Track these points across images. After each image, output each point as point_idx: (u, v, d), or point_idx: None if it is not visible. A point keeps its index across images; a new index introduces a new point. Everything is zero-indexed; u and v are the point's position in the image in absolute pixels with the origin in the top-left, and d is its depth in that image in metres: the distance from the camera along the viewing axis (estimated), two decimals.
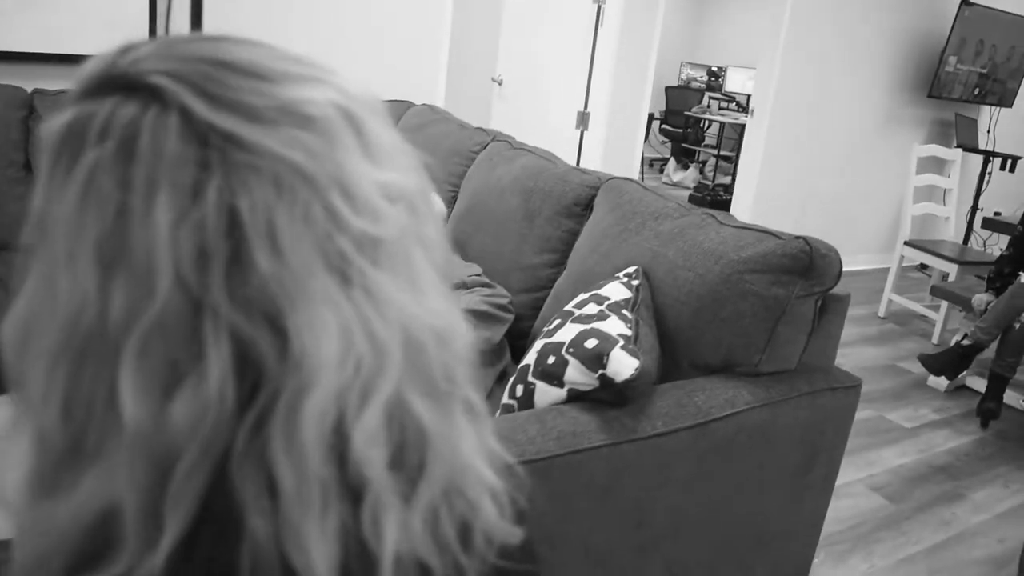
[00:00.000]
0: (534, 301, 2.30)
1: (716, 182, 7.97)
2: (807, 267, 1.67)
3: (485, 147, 2.81)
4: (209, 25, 3.23)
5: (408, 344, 0.53)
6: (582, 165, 4.54)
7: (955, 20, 5.41)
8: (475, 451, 0.57)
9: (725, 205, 5.88)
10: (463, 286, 2.19)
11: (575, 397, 1.55)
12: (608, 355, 1.50)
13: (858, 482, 2.89)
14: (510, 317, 2.17)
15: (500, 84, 4.90)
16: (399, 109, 3.41)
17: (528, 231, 2.37)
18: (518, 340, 2.21)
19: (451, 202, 2.83)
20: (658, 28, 4.78)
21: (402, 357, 0.52)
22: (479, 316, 2.07)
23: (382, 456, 0.51)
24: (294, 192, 0.50)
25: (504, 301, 2.17)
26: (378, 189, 0.54)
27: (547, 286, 2.29)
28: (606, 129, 4.63)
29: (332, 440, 0.50)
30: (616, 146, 4.78)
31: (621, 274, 1.86)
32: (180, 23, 3.17)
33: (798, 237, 1.71)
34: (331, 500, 0.50)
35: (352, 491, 0.51)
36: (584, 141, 4.53)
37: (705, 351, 1.74)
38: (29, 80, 2.97)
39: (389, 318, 0.52)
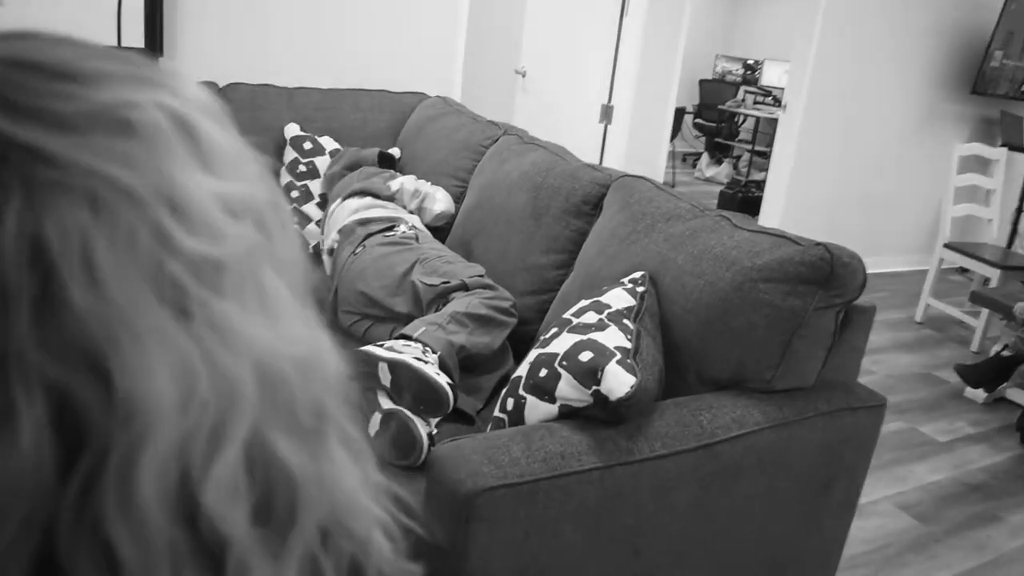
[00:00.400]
0: (540, 304, 2.18)
1: (749, 178, 7.77)
2: (827, 276, 1.53)
3: (496, 141, 2.69)
4: (217, 19, 3.15)
5: (264, 379, 0.46)
6: (605, 160, 4.40)
7: (1002, 13, 5.16)
8: (359, 486, 0.51)
9: (756, 202, 5.70)
10: (463, 288, 2.07)
11: (567, 414, 1.44)
12: (603, 370, 1.38)
13: (886, 500, 2.74)
14: (512, 321, 2.06)
15: (524, 76, 4.77)
16: (412, 101, 3.31)
17: (535, 230, 2.25)
18: (522, 345, 2.09)
19: (460, 198, 2.72)
20: (686, 18, 4.62)
21: (258, 394, 0.45)
22: (477, 320, 1.96)
23: (243, 510, 0.44)
24: (114, 212, 0.41)
25: (506, 304, 2.06)
26: (218, 203, 0.44)
27: (554, 288, 2.17)
28: (630, 123, 4.49)
29: (178, 498, 0.42)
30: (641, 141, 4.63)
31: (626, 279, 1.73)
32: (191, 20, 3.10)
33: (818, 244, 1.57)
34: (184, 569, 0.42)
35: (210, 555, 0.44)
36: (608, 135, 4.39)
37: (713, 365, 1.60)
38: None
39: (239, 352, 0.45)
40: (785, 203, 4.96)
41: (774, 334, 1.55)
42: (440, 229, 2.70)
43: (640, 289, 1.68)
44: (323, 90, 3.21)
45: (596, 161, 4.48)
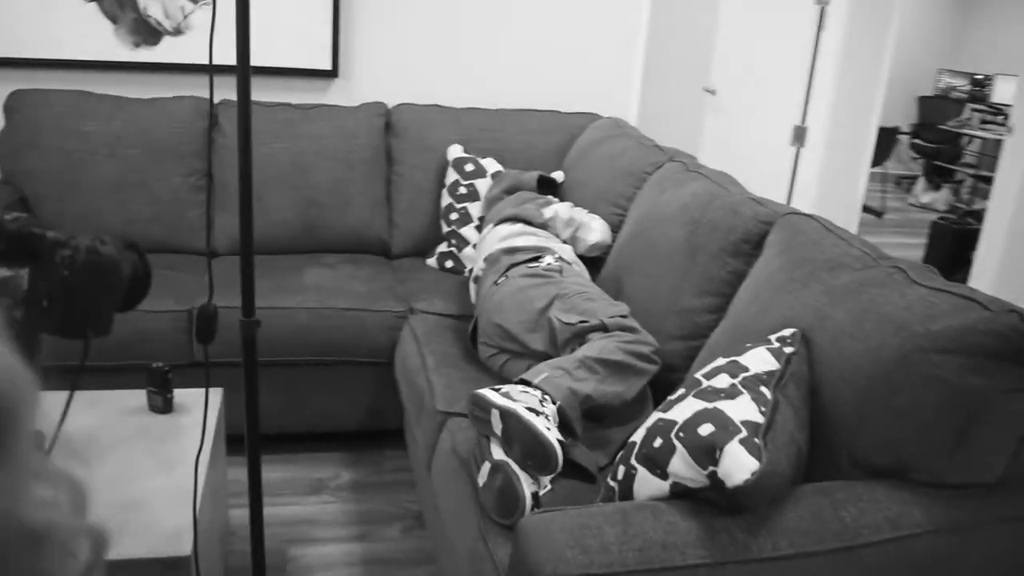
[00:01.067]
0: (688, 351, 1.99)
1: (971, 207, 6.98)
2: (1019, 351, 1.25)
3: (660, 168, 2.51)
4: (390, 40, 3.19)
5: None
6: (796, 186, 4.07)
7: None
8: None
9: (974, 236, 5.07)
10: (602, 328, 1.92)
11: (681, 493, 1.26)
12: (722, 449, 1.19)
13: None
14: (652, 369, 1.88)
15: (713, 95, 4.52)
16: (583, 122, 3.19)
17: (689, 268, 2.06)
18: (666, 393, 1.90)
19: (618, 227, 2.56)
20: (892, 31, 4.17)
21: None
22: (611, 367, 1.79)
23: None
24: None
25: (647, 350, 1.88)
26: None
27: (704, 334, 1.97)
28: (825, 145, 4.11)
29: None
30: (837, 165, 4.24)
31: (773, 337, 1.52)
32: (366, 41, 3.16)
33: (1012, 310, 1.29)
34: None
35: None
36: (800, 159, 4.05)
37: (870, 447, 1.36)
38: (215, 91, 3.08)
39: None
40: (1007, 243, 4.36)
41: (948, 417, 1.28)
42: (595, 260, 2.56)
43: (788, 350, 1.46)
44: (491, 110, 3.17)
45: (786, 187, 4.15)
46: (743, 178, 2.41)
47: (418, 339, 2.35)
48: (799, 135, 4.02)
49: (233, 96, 3.06)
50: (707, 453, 1.21)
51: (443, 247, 2.98)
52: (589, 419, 1.76)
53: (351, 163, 2.99)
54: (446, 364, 2.17)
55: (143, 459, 1.72)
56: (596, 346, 1.85)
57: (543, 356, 2.00)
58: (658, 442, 1.30)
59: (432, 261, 2.98)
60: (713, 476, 1.19)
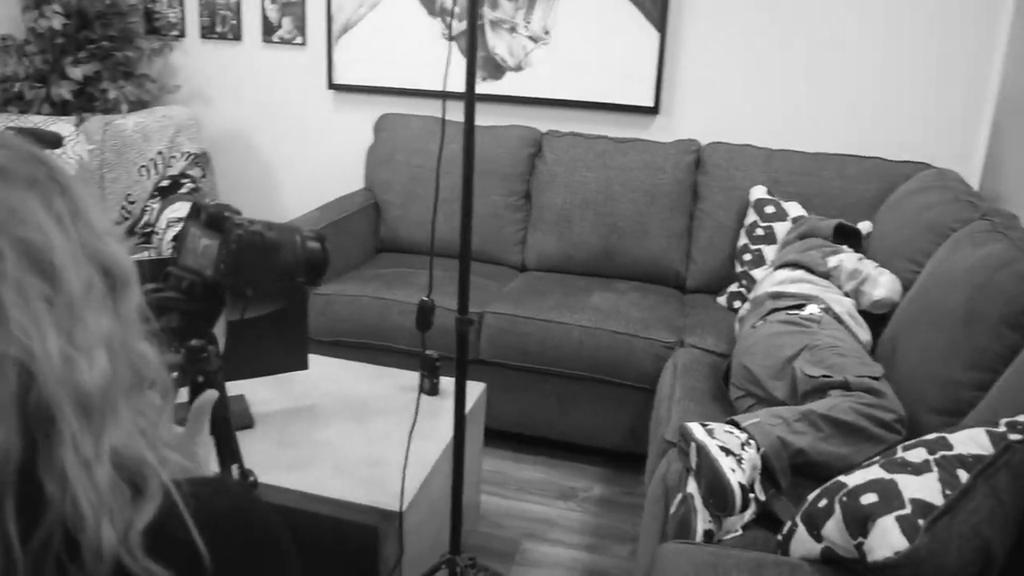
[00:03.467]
0: (944, 427, 1.80)
1: None
2: None
3: (966, 224, 2.28)
4: (712, 78, 3.24)
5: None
6: None
7: None
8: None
9: None
10: (844, 386, 1.82)
11: (830, 559, 1.20)
12: (875, 521, 1.12)
13: None
14: (890, 438, 1.74)
15: None
16: (908, 171, 2.96)
17: (962, 338, 1.86)
18: None
19: (911, 285, 2.37)
20: None
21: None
22: (838, 426, 1.71)
23: None
24: None
25: (888, 417, 1.75)
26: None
27: (965, 411, 1.77)
28: None
29: None
30: None
31: (1003, 420, 1.35)
32: (689, 78, 3.25)
33: None
34: None
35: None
36: None
37: None
38: (543, 122, 3.39)
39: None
40: None
41: None
42: (883, 318, 2.39)
43: (1014, 437, 1.29)
44: (806, 153, 3.08)
45: None
46: None
47: (676, 370, 2.40)
48: None
49: (560, 127, 3.35)
50: (860, 523, 1.14)
51: (733, 287, 2.97)
52: (805, 476, 1.69)
53: (655, 196, 3.11)
54: (689, 397, 2.20)
55: (399, 429, 2.01)
56: (828, 403, 1.77)
57: (784, 406, 1.95)
58: (823, 503, 1.25)
59: (722, 300, 2.99)
60: (859, 547, 1.12)
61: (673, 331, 2.70)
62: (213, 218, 0.97)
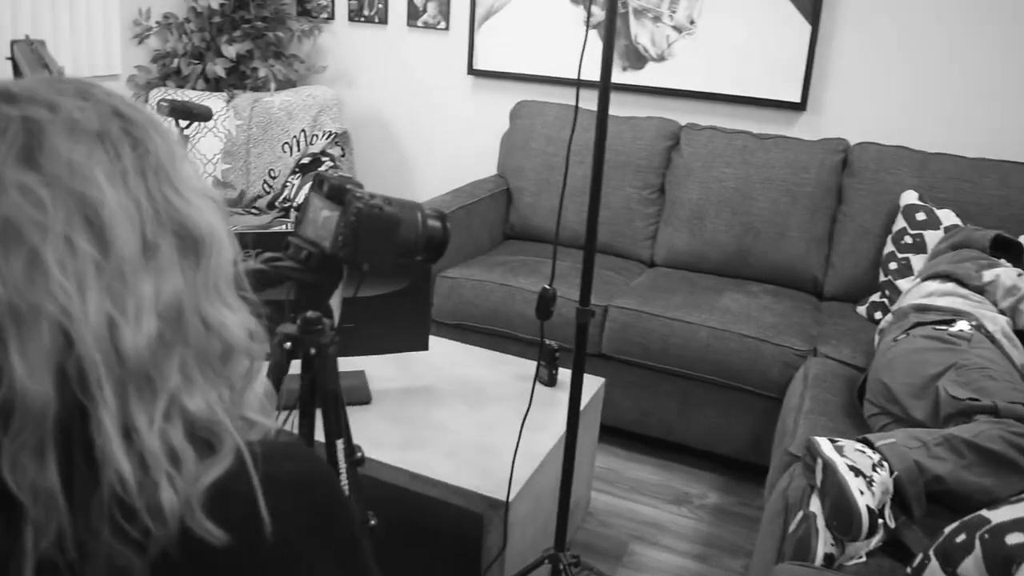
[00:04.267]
0: None
1: None
2: None
3: None
4: (864, 75, 3.04)
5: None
6: None
7: None
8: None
9: None
10: (992, 411, 1.67)
11: None
12: (1021, 566, 1.01)
13: None
14: None
15: None
16: None
17: None
18: None
19: None
20: None
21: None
22: (982, 454, 1.56)
23: None
24: None
25: None
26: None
27: None
28: None
29: None
30: None
31: None
32: (839, 75, 3.07)
33: None
34: None
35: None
36: None
37: None
38: (683, 114, 3.28)
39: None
40: None
41: None
42: None
43: None
44: (965, 159, 2.85)
45: None
46: None
47: (807, 380, 2.28)
48: None
49: (700, 121, 3.25)
50: (1004, 564, 1.04)
51: (875, 296, 2.79)
52: (942, 506, 1.56)
53: (795, 196, 2.97)
54: (819, 411, 2.08)
55: (513, 417, 2.00)
56: (973, 428, 1.62)
57: (922, 427, 1.81)
58: (961, 538, 1.14)
59: (862, 309, 2.82)
60: None
61: (806, 339, 2.57)
62: (334, 189, 0.97)
